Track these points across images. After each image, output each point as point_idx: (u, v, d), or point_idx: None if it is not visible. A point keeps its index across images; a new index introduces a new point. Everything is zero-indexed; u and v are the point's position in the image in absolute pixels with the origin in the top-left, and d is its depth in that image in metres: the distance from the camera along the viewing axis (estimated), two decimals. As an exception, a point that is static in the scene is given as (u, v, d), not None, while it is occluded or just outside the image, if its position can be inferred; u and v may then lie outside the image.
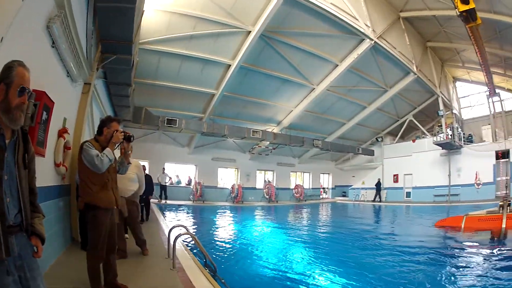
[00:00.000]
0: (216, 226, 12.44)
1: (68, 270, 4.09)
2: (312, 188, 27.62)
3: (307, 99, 18.55)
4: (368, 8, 16.41)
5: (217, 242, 8.81)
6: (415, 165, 24.42)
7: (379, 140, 26.95)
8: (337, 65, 17.00)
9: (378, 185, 24.89)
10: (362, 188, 26.41)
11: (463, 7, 12.54)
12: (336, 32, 15.11)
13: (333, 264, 6.69)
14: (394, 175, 25.57)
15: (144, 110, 14.69)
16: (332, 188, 29.91)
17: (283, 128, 20.35)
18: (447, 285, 5.58)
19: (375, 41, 16.05)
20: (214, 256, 6.47)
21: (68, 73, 5.29)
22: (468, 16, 13.11)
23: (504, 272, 6.22)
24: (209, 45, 13.21)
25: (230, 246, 8.58)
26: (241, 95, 17.00)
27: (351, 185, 27.89)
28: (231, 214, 16.65)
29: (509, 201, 12.27)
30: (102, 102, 9.43)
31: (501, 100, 24.99)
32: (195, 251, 6.21)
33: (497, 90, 25.40)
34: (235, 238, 9.94)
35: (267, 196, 22.66)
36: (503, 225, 10.54)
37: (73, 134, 5.89)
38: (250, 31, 12.91)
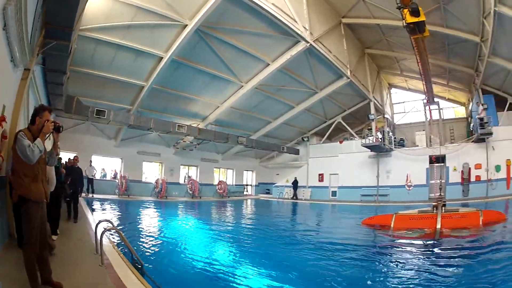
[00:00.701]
0: (141, 221, 12.76)
1: (6, 268, 4.04)
2: (236, 185, 29.04)
3: (234, 96, 19.50)
4: (309, 11, 17.47)
5: (144, 238, 9.13)
6: (341, 165, 26.34)
7: (305, 139, 28.84)
8: (269, 64, 17.94)
9: (295, 183, 26.93)
10: (286, 186, 28.11)
11: (412, 19, 13.02)
12: (272, 32, 15.98)
13: (258, 260, 7.07)
14: (320, 175, 27.44)
15: (75, 100, 14.71)
16: (256, 185, 31.47)
17: (209, 123, 21.27)
18: (369, 281, 5.89)
19: (310, 44, 17.06)
20: (141, 251, 6.92)
21: (12, 57, 5.30)
22: (416, 28, 13.58)
23: (438, 269, 6.57)
24: (145, 36, 13.60)
25: (156, 241, 8.87)
26: (169, 88, 17.59)
27: (275, 183, 29.71)
28: (156, 209, 17.13)
29: (444, 202, 12.80)
30: (38, 90, 9.33)
31: (439, 109, 26.69)
32: (121, 247, 6.42)
33: (436, 99, 26.91)
34: (161, 233, 10.24)
35: (190, 192, 23.54)
36: (438, 225, 10.83)
37: (10, 123, 5.68)
38: (187, 25, 13.44)
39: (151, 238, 9.09)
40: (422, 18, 13.01)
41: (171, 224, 12.19)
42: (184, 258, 7.03)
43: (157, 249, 7.83)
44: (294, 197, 26.51)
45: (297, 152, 29.09)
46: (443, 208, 12.00)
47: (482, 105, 22.14)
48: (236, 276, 5.85)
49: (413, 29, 13.57)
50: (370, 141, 23.55)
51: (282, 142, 28.36)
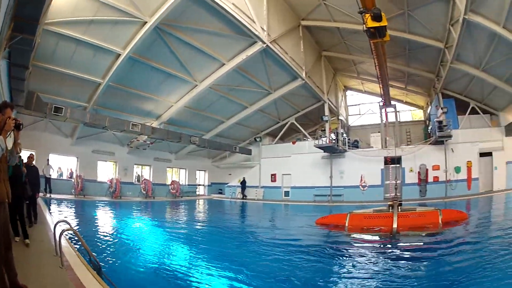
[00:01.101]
0: (97, 222, 12.88)
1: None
2: (189, 185, 29.78)
3: (188, 95, 20.05)
4: (269, 12, 18.18)
5: (100, 239, 9.20)
6: (294, 165, 27.27)
7: (258, 140, 29.82)
8: (224, 64, 18.59)
9: (243, 183, 28.09)
10: (238, 186, 28.86)
11: (373, 24, 13.01)
12: (229, 32, 16.56)
13: (212, 260, 7.23)
14: (272, 175, 28.29)
15: (35, 96, 14.68)
16: (208, 185, 32.49)
17: (162, 122, 21.71)
18: (324, 282, 6.03)
19: (267, 45, 17.69)
20: (98, 252, 6.94)
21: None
22: (376, 33, 13.58)
23: (394, 270, 6.65)
24: (105, 32, 13.81)
25: (112, 242, 8.96)
26: (125, 86, 17.84)
27: (228, 183, 30.62)
28: (111, 210, 17.32)
29: (400, 201, 13.03)
30: (2, 85, 9.34)
31: (396, 111, 28.18)
32: (78, 247, 6.52)
33: (393, 102, 28.41)
34: (117, 234, 10.33)
35: (144, 192, 24.10)
36: (394, 224, 10.83)
37: (-27, 120, 6.17)
38: (146, 22, 13.71)
39: (107, 239, 9.27)
40: (383, 23, 13.11)
41: (126, 224, 12.41)
42: (140, 258, 7.23)
43: (113, 250, 7.95)
44: (243, 197, 27.50)
45: (249, 152, 30.21)
46: (399, 207, 12.17)
47: (441, 108, 23.21)
48: (191, 276, 6.04)
49: (373, 33, 13.65)
50: (323, 142, 24.40)
51: (235, 142, 29.33)
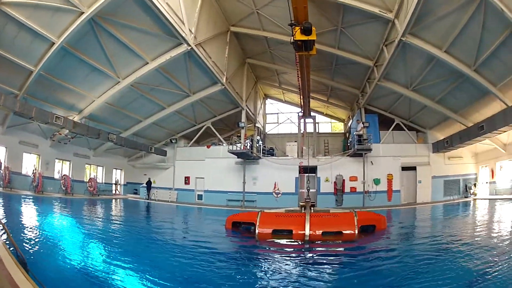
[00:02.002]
0: (23, 216, 12.99)
1: None
2: (105, 183, 31.10)
3: (110, 91, 21.28)
4: (200, 15, 19.85)
5: (25, 234, 9.45)
6: (208, 169, 30.30)
7: (173, 141, 32.34)
8: (147, 63, 20.13)
9: (149, 183, 30.77)
10: (153, 187, 31.03)
11: (301, 37, 14.01)
12: (158, 31, 17.96)
13: (129, 260, 7.64)
14: (186, 177, 31.05)
15: None
16: (124, 185, 34.12)
17: (84, 117, 22.66)
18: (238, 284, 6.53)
19: (191, 48, 19.38)
20: (22, 248, 7.11)
21: None
22: (303, 46, 14.62)
23: (307, 277, 7.00)
24: (46, 18, 14.58)
25: (36, 238, 9.16)
26: (53, 76, 18.43)
27: (143, 183, 32.32)
28: (35, 205, 17.51)
29: (313, 202, 14.58)
30: None
31: (315, 123, 31.62)
32: (6, 242, 6.69)
33: (314, 114, 31.97)
34: (40, 230, 10.45)
35: (63, 188, 24.91)
36: (307, 224, 11.34)
37: None
38: (83, 12, 14.73)
39: (32, 235, 9.56)
40: (312, 37, 14.15)
41: (50, 221, 12.80)
42: (62, 255, 7.54)
43: (37, 247, 8.23)
44: (148, 197, 29.85)
45: (164, 153, 32.64)
46: (311, 208, 13.08)
47: (363, 123, 26.92)
48: (108, 273, 6.50)
49: (300, 46, 14.68)
50: (238, 148, 27.18)
51: (151, 143, 31.29)
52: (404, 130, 28.74)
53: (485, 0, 13.38)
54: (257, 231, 11.92)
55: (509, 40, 14.76)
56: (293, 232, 11.61)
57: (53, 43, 15.84)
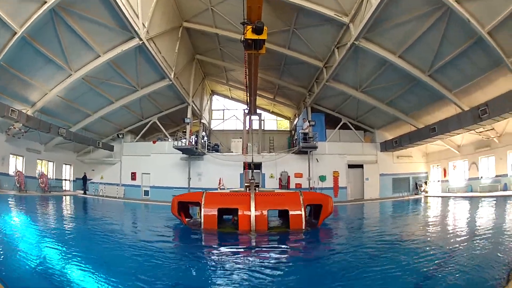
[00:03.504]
0: None
1: None
2: (56, 179, 32.00)
3: (63, 84, 22.32)
4: (155, 9, 21.25)
5: None
6: (154, 165, 32.55)
7: (120, 136, 34.21)
8: (99, 56, 21.31)
9: (84, 178, 32.66)
10: (101, 183, 33.08)
11: (252, 36, 14.99)
12: (113, 24, 19.05)
13: (84, 260, 7.96)
14: (132, 173, 33.24)
15: None
16: (73, 181, 35.04)
17: (36, 110, 23.50)
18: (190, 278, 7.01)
19: (143, 42, 20.68)
20: None
21: None
22: (253, 44, 15.62)
23: (258, 268, 7.48)
24: (13, 7, 15.32)
25: None
26: (11, 67, 19.00)
27: (91, 179, 33.88)
28: None
29: (257, 183, 16.06)
30: None
31: (260, 120, 35.11)
32: None
33: (260, 111, 35.40)
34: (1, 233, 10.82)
35: (18, 185, 25.48)
36: (252, 202, 12.21)
37: None
38: (46, 2, 15.60)
39: None
40: (263, 37, 15.10)
41: (6, 222, 13.06)
42: (22, 256, 7.85)
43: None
44: (84, 192, 31.68)
45: (111, 148, 34.37)
46: (256, 188, 13.97)
47: (309, 121, 29.54)
48: (66, 275, 6.84)
49: (250, 44, 15.63)
50: (183, 144, 29.17)
51: (99, 137, 32.76)
52: (351, 129, 32.02)
53: (450, 10, 14.99)
54: (202, 212, 12.71)
55: (471, 50, 16.78)
56: (239, 210, 12.42)
57: (15, 33, 16.44)
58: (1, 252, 8.12)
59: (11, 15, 15.62)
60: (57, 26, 17.86)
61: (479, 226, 12.48)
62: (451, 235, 11.29)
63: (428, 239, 10.91)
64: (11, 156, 26.30)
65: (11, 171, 26.10)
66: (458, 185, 28.22)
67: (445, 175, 30.29)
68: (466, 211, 18.40)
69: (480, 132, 23.30)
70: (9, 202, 20.09)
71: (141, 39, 20.61)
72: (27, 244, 9.27)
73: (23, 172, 26.80)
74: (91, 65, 21.86)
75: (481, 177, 25.90)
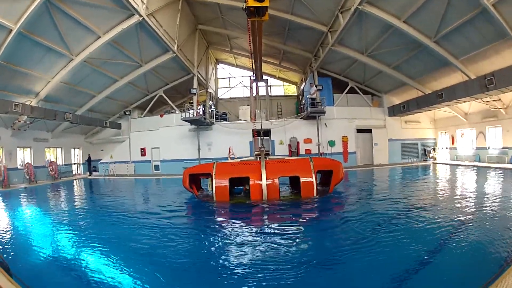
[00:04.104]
0: None
1: None
2: (65, 164, 32.72)
3: (65, 69, 22.40)
4: None
5: (1, 236, 9.88)
6: (162, 139, 32.78)
7: (127, 113, 34.46)
8: (100, 37, 21.29)
9: (89, 160, 33.40)
10: (111, 162, 33.61)
11: (254, 3, 14.57)
12: (110, 4, 19.08)
13: (103, 244, 8.36)
14: (142, 149, 33.58)
15: None
16: (83, 163, 35.63)
17: (40, 100, 23.74)
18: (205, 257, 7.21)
19: (143, 18, 20.72)
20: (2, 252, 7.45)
21: None
22: (255, 12, 15.27)
23: (273, 239, 7.97)
24: (6, 6, 15.55)
25: (13, 238, 9.65)
26: (10, 63, 19.21)
27: (101, 159, 34.65)
28: (4, 201, 18.17)
29: (267, 151, 16.69)
30: None
31: (267, 86, 34.76)
32: None
33: (266, 77, 35.09)
34: (15, 228, 10.97)
35: (27, 177, 25.98)
36: (263, 170, 12.63)
37: None
38: None
39: (7, 235, 10.00)
40: (266, 3, 14.64)
41: (21, 216, 13.20)
42: (39, 251, 8.03)
43: (14, 247, 8.68)
44: (90, 174, 32.46)
45: (119, 126, 34.79)
46: (266, 156, 14.42)
47: (316, 86, 29.37)
48: (83, 262, 7.13)
49: (252, 12, 15.24)
50: (190, 115, 29.37)
51: (105, 117, 33.21)
52: (359, 93, 31.86)
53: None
54: (213, 181, 13.10)
55: (477, 19, 16.67)
56: (250, 179, 12.84)
57: (11, 30, 16.62)
58: (14, 247, 8.42)
59: (3, 15, 15.79)
60: (53, 15, 17.87)
61: (487, 199, 12.49)
62: (459, 206, 11.35)
63: (437, 208, 11.10)
64: (18, 149, 26.84)
65: (19, 164, 26.62)
66: (466, 154, 28.61)
67: (453, 143, 30.56)
68: (474, 182, 18.48)
69: (487, 102, 23.37)
70: (20, 195, 20.32)
71: (141, 16, 20.55)
72: (40, 236, 9.48)
73: (32, 163, 27.14)
74: (92, 47, 21.81)
75: (489, 147, 26.17)
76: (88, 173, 32.46)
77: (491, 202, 11.66)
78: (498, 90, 18.96)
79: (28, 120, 23.60)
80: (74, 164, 34.37)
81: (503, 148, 24.55)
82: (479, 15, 16.27)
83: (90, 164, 32.77)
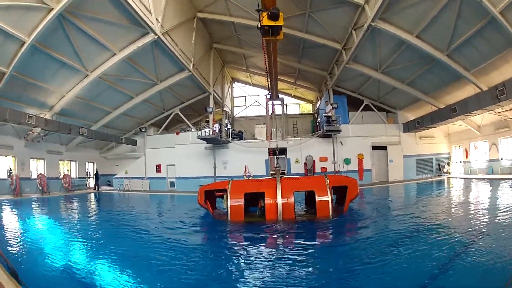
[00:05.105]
0: (6, 224, 13.76)
1: None
2: (79, 178, 33.28)
3: (80, 85, 22.81)
4: (167, 2, 21.48)
5: (10, 243, 9.99)
6: (178, 156, 33.15)
7: (143, 130, 34.78)
8: (115, 54, 21.61)
9: (96, 174, 33.35)
10: (126, 178, 34.01)
11: (269, 22, 14.88)
12: (125, 21, 19.26)
13: (116, 257, 8.42)
14: (157, 165, 33.90)
15: None
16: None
17: (55, 113, 24.17)
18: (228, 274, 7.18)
19: (158, 37, 20.94)
20: (11, 258, 7.24)
21: None
22: (270, 31, 15.52)
23: (288, 262, 7.74)
24: (17, 18, 15.60)
25: (23, 246, 9.68)
26: (24, 75, 19.53)
27: (115, 174, 35.17)
28: (16, 209, 18.62)
29: (283, 170, 16.62)
30: None
31: (283, 104, 34.86)
32: None
33: (281, 95, 35.22)
34: (26, 236, 11.06)
35: (40, 187, 26.44)
36: (278, 187, 12.60)
37: None
38: (53, 9, 15.84)
39: (17, 242, 10.14)
40: (280, 22, 14.99)
41: (32, 225, 13.44)
42: (49, 261, 8.06)
43: (24, 254, 8.78)
44: (96, 188, 32.30)
45: (134, 143, 35.15)
46: (282, 175, 14.22)
47: (331, 104, 29.60)
48: (95, 274, 7.13)
49: (267, 31, 15.52)
50: (206, 133, 29.60)
51: (121, 133, 33.77)
52: (374, 110, 31.77)
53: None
54: (228, 197, 12.92)
55: (485, 29, 16.70)
56: (265, 198, 12.64)
57: (24, 42, 16.80)
58: (29, 261, 8.14)
59: (15, 26, 15.89)
60: (67, 30, 18.12)
61: (500, 211, 12.50)
62: (472, 220, 11.38)
63: (448, 224, 11.22)
64: (31, 160, 27.21)
65: (33, 175, 26.94)
66: (479, 166, 28.32)
67: (466, 156, 30.26)
68: (487, 195, 18.42)
69: (499, 112, 23.21)
70: (34, 206, 20.43)
71: (156, 34, 20.75)
72: (55, 249, 9.34)
73: (45, 174, 27.50)
74: (107, 64, 22.09)
75: (501, 159, 25.94)
76: (95, 187, 32.64)
77: (503, 211, 11.93)
78: (509, 100, 18.85)
79: (42, 132, 23.76)
80: (89, 177, 34.81)
81: (515, 158, 24.58)
82: (488, 24, 16.34)
83: (97, 179, 32.86)
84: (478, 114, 23.39)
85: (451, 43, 19.07)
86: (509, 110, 22.78)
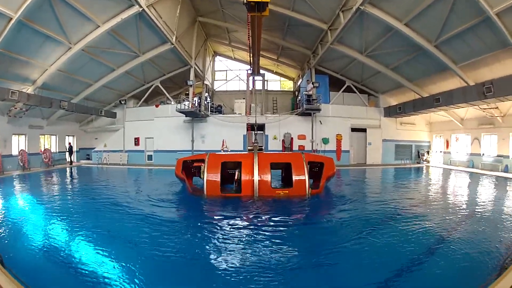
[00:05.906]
0: None
1: None
2: (59, 152, 32.67)
3: (62, 58, 22.53)
4: None
5: None
6: (157, 129, 33.10)
7: (123, 102, 34.61)
8: (99, 26, 21.42)
9: (70, 148, 32.86)
10: (105, 151, 33.86)
11: None
12: None
13: (95, 234, 8.67)
14: (136, 138, 33.96)
15: None
16: (77, 151, 35.90)
17: (37, 88, 23.85)
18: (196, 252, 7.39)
19: (143, 9, 20.86)
20: None
21: None
22: (256, 7, 15.02)
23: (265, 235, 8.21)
24: None
25: (6, 229, 9.48)
26: (9, 51, 19.30)
27: (94, 148, 34.93)
28: None
29: (261, 146, 17.10)
30: None
31: (264, 80, 34.69)
32: None
33: (263, 71, 35.09)
34: (9, 218, 10.75)
35: (21, 164, 26.00)
36: (255, 159, 12.94)
37: None
38: None
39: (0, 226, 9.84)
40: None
41: (14, 206, 13.00)
42: (33, 243, 8.07)
43: (8, 238, 8.65)
44: (70, 162, 32.08)
45: (114, 115, 34.92)
46: (259, 151, 14.49)
47: (313, 83, 29.65)
48: (77, 254, 7.21)
49: (253, 7, 15.02)
50: (186, 106, 29.72)
51: (101, 105, 33.48)
52: (355, 92, 32.06)
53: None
54: (205, 170, 13.33)
55: (479, 27, 16.81)
56: (242, 164, 13.16)
57: (11, 19, 16.64)
58: (13, 245, 8.04)
59: (4, 3, 15.83)
60: (53, 3, 17.92)
61: (480, 205, 12.82)
62: (452, 211, 11.66)
63: (428, 212, 11.45)
64: (13, 136, 26.79)
65: (14, 151, 26.59)
66: (459, 159, 28.87)
67: (447, 147, 30.85)
68: (468, 187, 18.91)
69: (484, 109, 23.53)
70: (12, 182, 20.33)
71: (141, 6, 20.65)
72: (38, 230, 9.37)
73: (26, 150, 27.17)
74: (90, 36, 21.95)
75: (483, 154, 26.41)
76: (69, 162, 32.39)
77: (484, 210, 11.95)
78: (496, 99, 19.17)
79: (24, 107, 23.87)
80: (68, 151, 33.70)
81: (498, 156, 24.80)
82: (482, 23, 16.45)
83: (71, 153, 32.70)
84: (462, 107, 23.77)
85: (441, 35, 19.25)
86: (495, 108, 23.17)
